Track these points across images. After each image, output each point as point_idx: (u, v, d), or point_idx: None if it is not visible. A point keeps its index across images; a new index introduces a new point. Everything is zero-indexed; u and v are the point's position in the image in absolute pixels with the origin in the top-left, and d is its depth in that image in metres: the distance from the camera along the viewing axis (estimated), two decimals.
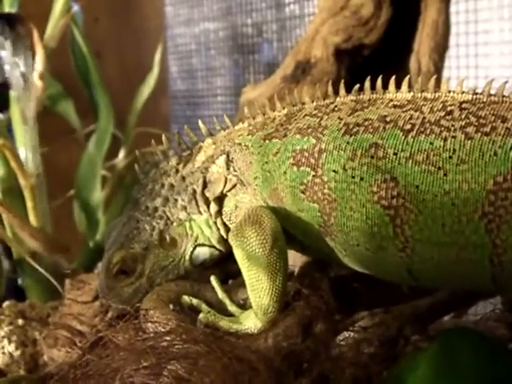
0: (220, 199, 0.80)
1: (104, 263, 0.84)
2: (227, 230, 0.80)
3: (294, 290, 0.74)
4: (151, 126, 1.87)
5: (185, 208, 0.82)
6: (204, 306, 0.75)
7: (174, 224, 0.82)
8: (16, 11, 1.49)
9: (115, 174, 1.58)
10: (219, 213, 0.81)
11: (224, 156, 0.80)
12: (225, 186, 0.80)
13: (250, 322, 0.72)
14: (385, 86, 0.73)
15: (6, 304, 1.16)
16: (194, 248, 0.81)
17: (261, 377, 0.58)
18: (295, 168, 0.72)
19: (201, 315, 0.73)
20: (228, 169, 0.80)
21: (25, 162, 1.32)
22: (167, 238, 0.81)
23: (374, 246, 0.68)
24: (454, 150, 0.64)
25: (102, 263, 0.87)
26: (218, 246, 0.81)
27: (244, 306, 0.77)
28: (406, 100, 0.70)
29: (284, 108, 0.78)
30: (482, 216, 0.63)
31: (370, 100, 0.72)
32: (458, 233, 0.64)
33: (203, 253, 0.81)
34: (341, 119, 0.71)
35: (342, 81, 0.76)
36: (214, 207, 0.81)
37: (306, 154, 0.71)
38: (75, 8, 1.53)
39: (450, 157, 0.64)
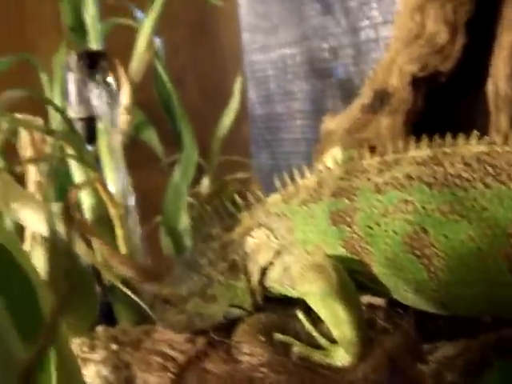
0: (264, 268, 0.86)
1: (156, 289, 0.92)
2: (263, 297, 0.87)
3: (379, 324, 0.76)
4: (232, 151, 1.92)
5: (224, 273, 0.87)
6: (296, 342, 0.78)
7: (215, 283, 0.88)
8: (101, 48, 1.56)
9: (200, 200, 1.62)
10: (260, 282, 0.86)
11: (262, 228, 0.86)
12: (268, 255, 0.85)
13: (341, 356, 0.75)
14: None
15: (99, 329, 1.21)
16: (228, 307, 0.87)
17: None
18: (334, 227, 0.77)
19: (294, 348, 0.76)
20: (269, 238, 0.85)
21: (113, 192, 1.38)
22: (208, 293, 0.88)
23: (411, 289, 0.75)
24: (476, 199, 0.70)
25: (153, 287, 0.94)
26: (249, 309, 0.87)
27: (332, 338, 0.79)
28: (427, 156, 0.75)
29: (315, 176, 0.83)
30: (504, 258, 0.69)
31: (394, 160, 0.77)
32: (486, 273, 0.70)
33: (235, 312, 0.87)
34: (369, 179, 0.77)
35: (366, 145, 0.84)
36: (256, 277, 0.86)
37: (342, 214, 0.77)
38: (157, 42, 1.58)
39: (473, 205, 0.70)
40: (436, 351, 0.80)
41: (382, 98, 1.21)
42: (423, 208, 0.72)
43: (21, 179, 1.33)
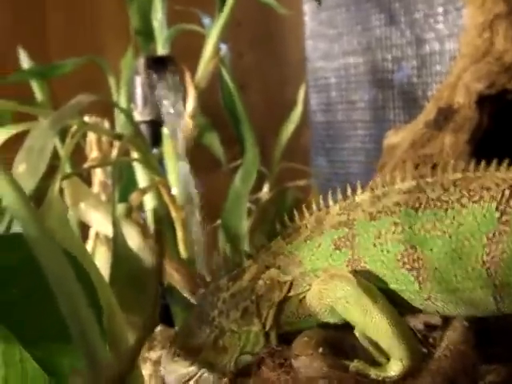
0: (279, 304, 0.91)
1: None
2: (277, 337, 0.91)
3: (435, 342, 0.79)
4: (292, 158, 1.93)
5: (236, 321, 0.93)
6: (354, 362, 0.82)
7: (227, 333, 0.93)
8: (168, 52, 1.59)
9: (259, 206, 1.64)
10: (276, 320, 0.91)
11: (270, 269, 0.93)
12: (282, 291, 0.91)
13: (393, 366, 0.80)
14: None
15: (158, 329, 1.24)
16: (240, 355, 0.92)
17: None
18: (337, 251, 0.88)
19: (352, 364, 0.80)
20: (279, 276, 0.92)
21: (177, 195, 1.40)
22: (220, 344, 0.93)
23: (404, 300, 0.85)
24: (454, 217, 0.82)
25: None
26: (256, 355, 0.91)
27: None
28: (412, 186, 0.87)
29: (311, 215, 0.93)
30: (482, 264, 0.80)
31: (383, 192, 0.89)
32: (467, 279, 0.81)
33: (246, 359, 0.91)
34: (364, 211, 0.88)
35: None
36: (271, 317, 0.91)
37: (343, 239, 0.88)
38: (223, 48, 1.60)
39: (452, 222, 0.82)
40: (490, 373, 0.82)
41: (446, 115, 1.21)
42: (410, 228, 0.84)
43: (87, 181, 1.37)
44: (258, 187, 1.71)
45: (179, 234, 1.37)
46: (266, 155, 1.77)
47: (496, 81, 1.18)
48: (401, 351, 0.80)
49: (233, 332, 0.93)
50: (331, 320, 0.88)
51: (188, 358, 0.93)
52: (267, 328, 0.91)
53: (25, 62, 1.47)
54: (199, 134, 1.72)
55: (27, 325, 0.69)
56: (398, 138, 1.27)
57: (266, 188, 1.67)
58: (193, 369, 0.93)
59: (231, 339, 0.93)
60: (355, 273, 0.85)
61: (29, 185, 0.95)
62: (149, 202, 1.43)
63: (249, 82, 2.10)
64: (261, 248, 0.96)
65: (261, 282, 0.93)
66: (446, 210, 0.83)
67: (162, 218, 1.42)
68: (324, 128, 2.30)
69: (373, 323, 0.81)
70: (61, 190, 1.19)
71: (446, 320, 0.85)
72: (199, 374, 0.93)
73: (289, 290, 0.91)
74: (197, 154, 1.56)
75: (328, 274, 0.87)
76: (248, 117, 1.55)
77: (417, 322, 0.88)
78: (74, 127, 1.10)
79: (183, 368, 0.93)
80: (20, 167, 0.98)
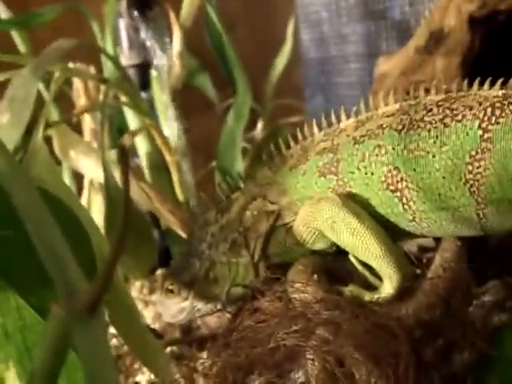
0: (267, 235, 0.93)
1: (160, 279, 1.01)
2: (266, 268, 0.93)
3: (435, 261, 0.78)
4: (285, 95, 1.91)
5: (225, 253, 0.95)
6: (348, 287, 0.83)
7: (218, 265, 0.96)
8: None
9: (254, 145, 1.62)
10: (264, 251, 0.94)
11: (257, 199, 0.95)
12: (269, 221, 0.93)
13: (386, 289, 0.81)
14: None
15: (158, 272, 1.24)
16: (231, 286, 0.94)
17: (399, 341, 0.61)
18: (322, 178, 0.89)
19: (347, 288, 0.82)
20: (265, 205, 0.94)
21: (169, 139, 1.39)
22: (211, 275, 0.96)
23: (390, 222, 0.86)
24: (437, 137, 0.83)
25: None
26: (251, 286, 0.92)
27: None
28: (395, 110, 0.88)
29: (298, 144, 0.95)
30: (465, 182, 0.81)
31: (367, 117, 0.90)
32: (451, 198, 0.82)
33: (237, 291, 0.94)
34: (348, 135, 0.89)
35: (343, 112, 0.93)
36: (259, 247, 0.93)
37: (328, 166, 0.89)
38: None
39: (435, 142, 0.83)
40: (486, 293, 0.83)
41: (437, 39, 1.18)
42: (393, 149, 0.85)
43: (77, 128, 1.35)
44: (252, 126, 1.70)
45: (174, 177, 1.35)
46: (259, 94, 1.75)
47: (487, 1, 1.16)
48: (390, 269, 0.81)
49: (222, 264, 0.95)
50: (319, 246, 0.88)
51: (181, 292, 0.94)
52: (256, 259, 0.92)
53: (2, 12, 1.43)
54: (190, 75, 1.69)
55: (21, 272, 0.69)
56: (389, 65, 1.25)
57: (259, 126, 1.65)
58: (187, 303, 0.94)
59: (221, 271, 0.95)
60: (341, 196, 0.86)
61: (14, 135, 0.93)
62: (142, 146, 1.42)
63: (238, 22, 2.07)
64: (248, 179, 0.96)
65: (248, 213, 0.95)
66: (429, 130, 0.84)
67: (157, 162, 1.40)
68: (317, 64, 2.26)
69: (361, 242, 0.83)
70: (50, 140, 1.18)
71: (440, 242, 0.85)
72: (193, 306, 0.94)
73: (276, 220, 0.92)
74: (189, 96, 1.54)
75: (313, 199, 0.88)
76: (237, 55, 1.52)
77: (410, 246, 0.88)
78: (57, 73, 1.08)
79: (177, 303, 0.95)
80: (3, 118, 0.97)
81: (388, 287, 0.80)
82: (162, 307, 0.99)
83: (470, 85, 0.85)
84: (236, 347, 0.69)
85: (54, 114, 1.38)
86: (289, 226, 0.92)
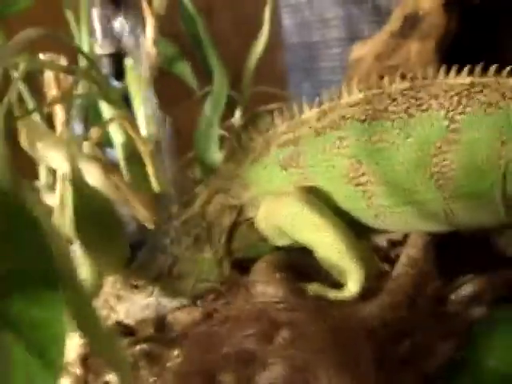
0: (230, 230, 0.92)
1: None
2: (231, 264, 0.92)
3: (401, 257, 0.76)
4: (268, 81, 1.87)
5: (189, 249, 0.94)
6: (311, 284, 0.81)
7: (182, 261, 0.94)
8: None
9: (233, 133, 1.59)
10: (227, 247, 0.92)
11: (219, 193, 0.93)
12: (231, 215, 0.91)
13: (350, 288, 0.79)
14: None
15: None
16: (196, 282, 0.93)
17: (361, 343, 0.59)
18: (284, 171, 0.86)
19: (310, 286, 0.80)
20: (227, 200, 0.92)
21: (145, 129, 1.35)
22: (175, 271, 0.94)
23: (354, 218, 0.83)
24: (401, 128, 0.79)
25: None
26: (216, 281, 0.92)
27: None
28: (358, 99, 0.84)
29: (259, 135, 0.93)
30: (431, 176, 0.77)
31: (329, 107, 0.86)
32: (416, 193, 0.79)
33: (202, 287, 0.92)
34: (310, 127, 0.86)
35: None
36: (222, 243, 0.92)
37: (290, 159, 0.86)
38: None
39: (399, 133, 0.79)
40: (460, 289, 0.80)
41: (412, 23, 1.15)
42: (356, 141, 0.82)
43: (50, 121, 1.32)
44: (232, 114, 1.67)
45: (149, 168, 1.32)
46: (239, 82, 1.72)
47: None
48: (354, 266, 0.78)
49: (186, 259, 0.94)
50: (283, 242, 0.86)
51: (145, 288, 0.92)
52: (219, 255, 0.90)
53: None
54: (169, 63, 1.66)
55: None
56: (363, 50, 1.22)
57: (237, 113, 1.61)
58: (151, 299, 0.92)
59: (185, 266, 0.93)
60: (302, 190, 0.82)
61: None
62: (117, 137, 1.38)
63: (215, 6, 2.03)
64: (212, 172, 0.94)
65: (211, 208, 0.93)
66: (393, 120, 0.80)
67: (132, 153, 1.37)
68: (300, 49, 2.23)
69: (322, 239, 0.80)
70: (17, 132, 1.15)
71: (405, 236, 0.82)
72: (158, 302, 0.92)
73: (239, 215, 0.89)
74: (169, 84, 1.51)
75: (274, 194, 0.85)
76: (213, 42, 1.50)
77: (380, 240, 0.86)
78: (22, 65, 1.05)
79: (142, 299, 0.93)
80: None
81: (352, 285, 0.78)
82: (129, 303, 0.97)
83: (448, 71, 0.82)
84: (193, 351, 0.66)
85: (30, 105, 1.35)
86: (251, 221, 0.89)
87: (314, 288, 0.78)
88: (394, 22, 1.18)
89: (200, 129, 1.44)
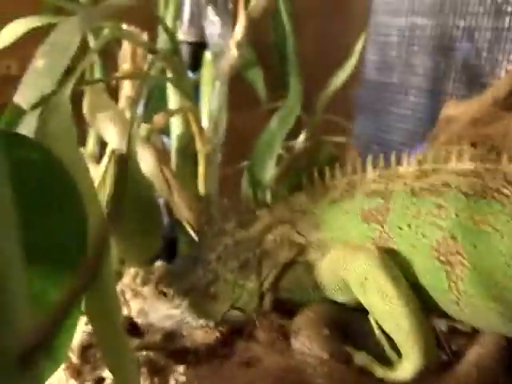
0: (283, 267, 0.84)
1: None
2: (273, 301, 0.85)
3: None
4: (335, 112, 1.82)
5: (233, 272, 0.86)
6: (361, 354, 0.73)
7: (222, 282, 0.87)
8: None
9: (291, 155, 1.53)
10: (275, 284, 0.84)
11: (285, 225, 0.85)
12: (290, 252, 0.83)
13: (404, 372, 0.70)
14: None
15: (157, 264, 1.15)
16: (230, 309, 0.86)
17: None
18: (365, 224, 0.77)
19: (357, 355, 0.72)
20: (292, 235, 0.83)
21: (207, 127, 1.31)
22: (211, 290, 0.87)
23: (430, 297, 0.73)
24: None
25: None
26: (251, 313, 0.85)
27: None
28: (468, 170, 0.75)
29: (344, 176, 0.84)
30: None
31: (432, 169, 0.77)
32: (510, 290, 0.68)
33: (236, 315, 0.86)
34: (406, 184, 0.76)
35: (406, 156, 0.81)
36: (271, 278, 0.84)
37: (374, 212, 0.76)
38: None
39: (508, 221, 0.69)
40: None
41: None
42: (456, 215, 0.72)
43: (115, 93, 1.28)
44: (293, 136, 1.62)
45: (201, 168, 1.27)
46: (309, 104, 1.67)
47: None
48: (415, 350, 0.69)
49: (227, 282, 0.86)
50: (340, 298, 0.78)
51: (174, 299, 0.86)
52: (264, 288, 0.84)
53: None
54: (244, 67, 1.61)
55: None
56: (457, 110, 1.15)
57: (302, 137, 1.56)
58: (177, 311, 0.86)
59: (224, 289, 0.86)
60: (382, 250, 0.74)
61: (47, 81, 0.86)
62: (176, 127, 1.33)
63: (305, 24, 1.98)
64: (280, 199, 0.87)
65: (270, 237, 0.86)
66: (504, 205, 0.70)
67: (187, 148, 1.32)
68: (375, 87, 2.17)
69: (389, 310, 0.71)
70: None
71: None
72: (183, 317, 0.86)
73: (299, 254, 0.82)
74: (237, 88, 1.46)
75: (350, 245, 0.77)
76: (297, 59, 1.44)
77: (441, 324, 0.78)
78: (106, 30, 1.00)
79: (167, 309, 0.87)
80: (40, 62, 0.89)
81: (406, 369, 0.69)
82: (150, 307, 0.90)
83: None
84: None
85: (97, 72, 1.31)
86: (311, 264, 0.81)
87: (361, 358, 0.71)
88: (499, 89, 1.11)
89: (262, 140, 1.39)
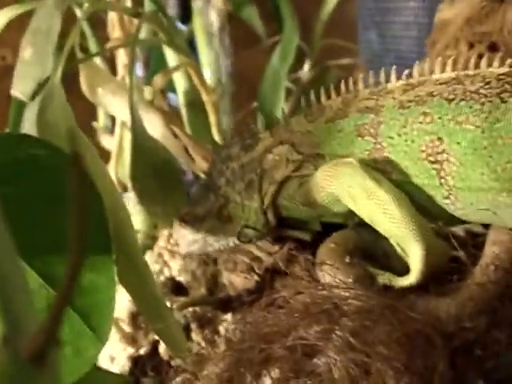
0: (280, 184, 0.88)
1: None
2: (277, 217, 0.89)
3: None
4: (336, 35, 1.80)
5: (240, 193, 0.91)
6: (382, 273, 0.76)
7: (232, 204, 0.91)
8: None
9: (299, 86, 1.53)
10: (274, 200, 0.88)
11: (284, 144, 0.88)
12: (287, 169, 0.87)
13: (415, 264, 0.73)
14: None
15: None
16: (243, 228, 0.90)
17: (435, 353, 0.53)
18: (359, 138, 0.82)
19: (381, 276, 0.75)
20: (290, 153, 0.87)
21: (209, 75, 1.31)
22: (224, 213, 0.92)
23: (424, 195, 0.78)
24: (490, 112, 0.74)
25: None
26: (262, 231, 0.89)
27: None
28: (450, 78, 0.80)
29: (338, 96, 0.88)
30: None
31: (418, 81, 0.82)
32: (494, 180, 0.73)
33: (249, 234, 0.90)
34: (394, 98, 0.82)
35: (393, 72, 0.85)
36: (269, 195, 0.88)
37: (367, 127, 0.82)
38: None
39: (487, 117, 0.74)
40: None
41: None
42: (440, 119, 0.77)
43: (112, 64, 1.28)
44: (299, 66, 1.60)
45: (211, 117, 1.27)
46: (308, 32, 1.65)
47: None
48: (413, 236, 0.73)
49: (237, 203, 0.91)
50: (337, 208, 0.82)
51: (194, 224, 0.92)
52: (265, 205, 0.88)
53: None
54: (237, 7, 1.60)
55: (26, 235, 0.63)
56: (452, 11, 1.12)
57: (306, 66, 1.55)
58: (199, 235, 0.91)
59: (235, 210, 0.91)
60: (361, 162, 0.79)
61: (37, 71, 0.87)
62: (179, 84, 1.34)
63: None
64: (281, 122, 0.90)
65: (270, 156, 0.89)
66: (483, 103, 0.75)
67: (194, 101, 1.33)
68: (373, 0, 2.12)
69: (378, 204, 0.76)
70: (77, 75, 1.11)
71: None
72: (205, 240, 0.92)
73: (294, 170, 0.86)
74: (233, 30, 1.45)
75: (332, 162, 0.82)
76: None
77: (456, 230, 0.79)
78: (86, 5, 1.00)
79: (190, 234, 0.93)
80: (26, 52, 0.90)
81: (413, 263, 0.73)
82: (178, 236, 0.96)
83: None
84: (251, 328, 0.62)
85: (92, 46, 1.31)
86: (304, 179, 0.86)
87: (384, 277, 0.73)
88: None
89: (266, 79, 1.39)
